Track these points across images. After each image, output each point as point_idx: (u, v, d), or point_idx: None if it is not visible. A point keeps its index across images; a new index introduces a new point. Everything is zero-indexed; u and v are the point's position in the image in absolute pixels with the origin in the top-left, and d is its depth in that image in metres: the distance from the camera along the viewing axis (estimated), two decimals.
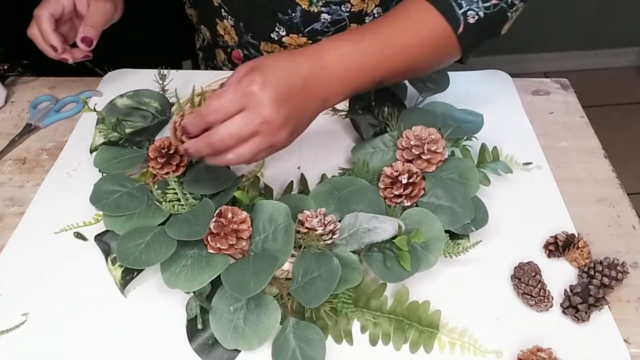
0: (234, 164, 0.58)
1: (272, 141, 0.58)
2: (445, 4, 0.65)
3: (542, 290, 0.61)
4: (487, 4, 0.65)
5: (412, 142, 0.69)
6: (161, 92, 0.78)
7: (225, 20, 0.93)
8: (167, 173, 0.67)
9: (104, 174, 0.69)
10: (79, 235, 0.67)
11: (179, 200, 0.64)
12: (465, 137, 0.74)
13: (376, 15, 0.87)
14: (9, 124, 0.85)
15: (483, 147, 0.75)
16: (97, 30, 0.79)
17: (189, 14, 1.07)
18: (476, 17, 0.65)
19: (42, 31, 0.77)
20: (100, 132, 0.73)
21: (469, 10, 0.65)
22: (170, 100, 0.78)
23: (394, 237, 0.61)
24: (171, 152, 0.68)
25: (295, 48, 0.90)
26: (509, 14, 0.67)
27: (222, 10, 0.92)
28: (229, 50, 0.98)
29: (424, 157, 0.68)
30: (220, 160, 0.58)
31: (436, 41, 0.66)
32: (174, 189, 0.64)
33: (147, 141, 0.73)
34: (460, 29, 0.65)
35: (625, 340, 0.59)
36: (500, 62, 1.64)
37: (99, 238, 0.65)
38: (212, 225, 0.59)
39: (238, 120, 0.56)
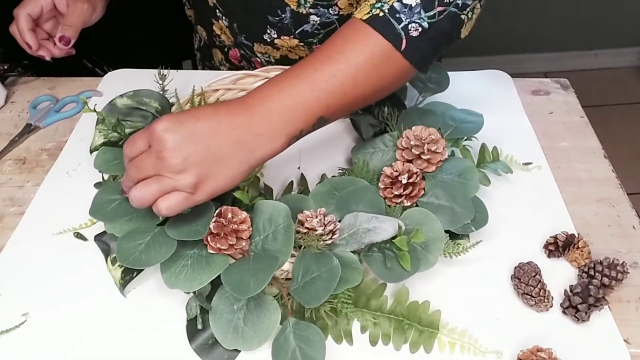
0: (137, 203, 0.54)
1: (172, 183, 0.53)
2: (382, 22, 0.60)
3: (542, 290, 0.61)
4: (431, 13, 0.60)
5: (412, 142, 0.69)
6: (161, 92, 0.78)
7: (220, 21, 0.94)
8: None
9: (104, 179, 0.69)
10: (79, 235, 0.67)
11: None
12: (465, 137, 0.74)
13: None
14: (9, 124, 0.85)
15: (483, 147, 0.75)
16: (75, 30, 0.84)
17: (188, 14, 1.08)
18: (419, 29, 0.60)
19: (19, 29, 0.83)
20: (100, 132, 0.73)
21: (409, 23, 0.60)
22: (170, 101, 0.78)
23: (394, 237, 0.61)
24: None
25: (287, 50, 0.90)
26: (462, 16, 0.62)
27: (217, 10, 0.92)
28: (225, 49, 0.99)
29: (424, 157, 0.68)
30: (155, 210, 0.54)
31: (380, 63, 0.60)
32: None
33: None
34: (404, 45, 0.60)
35: (625, 340, 0.59)
36: (500, 62, 1.64)
37: (98, 238, 0.65)
38: (212, 225, 0.59)
39: (137, 165, 0.55)
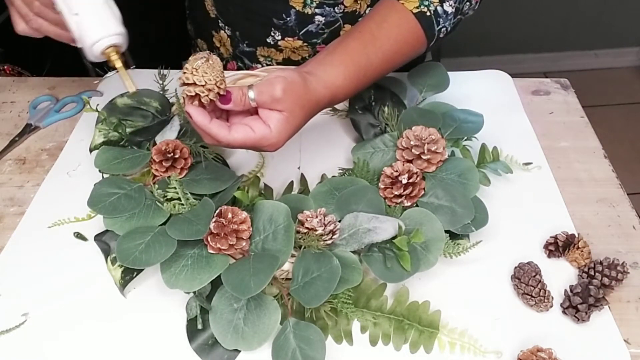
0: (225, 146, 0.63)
1: (266, 151, 0.64)
2: (428, 21, 0.71)
3: (542, 290, 0.61)
4: (454, 20, 0.73)
5: (412, 142, 0.69)
6: (161, 92, 0.78)
7: (221, 31, 0.94)
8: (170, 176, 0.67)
9: (104, 175, 0.69)
10: (79, 236, 0.68)
11: (179, 199, 0.64)
12: (466, 137, 0.74)
13: None
14: (9, 124, 0.85)
15: (483, 147, 0.75)
16: None
17: (189, 29, 1.09)
18: (445, 32, 0.73)
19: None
20: (100, 131, 0.73)
21: (442, 27, 0.72)
22: (170, 100, 0.78)
23: (394, 237, 0.61)
24: (176, 156, 0.68)
25: (291, 51, 0.91)
26: (461, 22, 0.76)
27: (219, 21, 0.93)
28: (223, 62, 0.99)
29: (424, 157, 0.68)
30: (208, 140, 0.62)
31: (413, 50, 0.73)
32: (175, 188, 0.64)
33: (147, 141, 0.73)
34: (433, 42, 0.73)
35: (625, 340, 0.59)
36: (500, 62, 1.64)
37: (98, 238, 0.65)
38: (212, 225, 0.58)
39: (250, 146, 0.62)
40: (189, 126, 0.76)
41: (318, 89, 0.65)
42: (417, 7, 0.71)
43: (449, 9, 0.72)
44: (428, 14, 0.71)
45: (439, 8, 0.71)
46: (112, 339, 0.59)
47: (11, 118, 0.86)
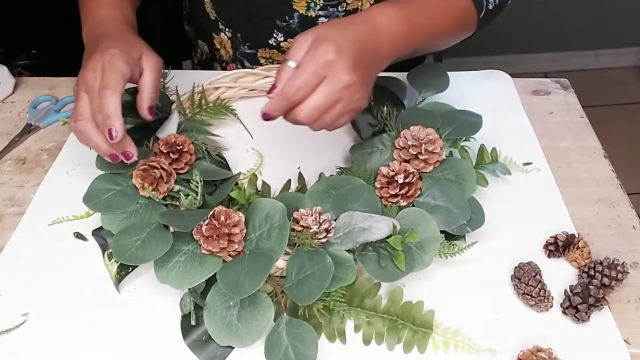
0: (318, 129, 0.62)
1: (352, 105, 0.60)
2: None
3: (542, 290, 0.61)
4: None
5: (409, 142, 0.69)
6: (162, 90, 0.79)
7: (222, 34, 0.94)
8: (176, 169, 0.68)
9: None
10: (79, 236, 0.68)
11: (196, 193, 0.64)
12: (464, 138, 0.74)
13: None
14: (9, 124, 0.85)
15: (482, 148, 0.75)
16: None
17: (187, 30, 1.08)
18: (494, 4, 0.75)
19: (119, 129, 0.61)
20: None
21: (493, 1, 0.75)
22: (171, 98, 0.78)
23: (388, 237, 0.61)
24: (184, 150, 0.68)
25: None
26: (507, 3, 0.79)
27: (219, 23, 0.92)
28: (223, 64, 0.99)
29: (421, 157, 0.68)
30: (305, 126, 0.61)
31: (463, 20, 0.74)
32: (197, 183, 0.64)
33: (147, 139, 0.73)
34: (482, 14, 0.75)
35: (625, 340, 0.59)
36: (500, 62, 1.64)
37: (96, 233, 0.66)
38: (205, 227, 0.59)
39: (321, 92, 0.58)
40: (187, 123, 0.77)
41: (358, 15, 0.64)
42: None
43: None
44: None
45: None
46: (111, 337, 0.59)
47: (11, 118, 0.86)
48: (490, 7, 0.75)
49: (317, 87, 0.57)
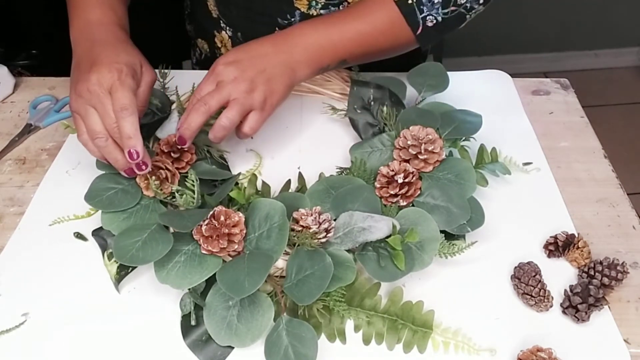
0: (228, 127, 0.68)
1: (248, 101, 0.67)
2: (408, 8, 0.73)
3: (542, 290, 0.61)
4: (446, 10, 0.74)
5: (409, 142, 0.69)
6: (162, 90, 0.79)
7: (223, 32, 0.94)
8: (177, 168, 0.68)
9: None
10: (79, 236, 0.68)
11: (193, 192, 0.64)
12: (464, 138, 0.74)
13: None
14: (9, 124, 0.85)
15: (482, 148, 0.75)
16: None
17: (188, 29, 1.08)
18: (434, 22, 0.74)
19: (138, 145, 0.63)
20: None
21: (428, 15, 0.73)
22: (171, 98, 0.78)
23: (388, 237, 0.61)
24: (185, 149, 0.68)
25: None
26: (467, 16, 0.76)
27: (221, 21, 0.93)
28: None
29: (420, 157, 0.68)
30: (216, 129, 0.68)
31: (396, 37, 0.75)
32: (192, 182, 0.64)
33: (147, 139, 0.73)
34: (419, 31, 0.74)
35: (625, 340, 0.59)
36: (500, 62, 1.64)
37: (96, 233, 0.66)
38: (205, 227, 0.59)
39: (216, 90, 0.67)
40: None
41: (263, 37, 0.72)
42: None
43: None
44: (410, 1, 0.73)
45: None
46: (111, 337, 0.59)
47: (11, 118, 0.86)
48: (430, 24, 0.74)
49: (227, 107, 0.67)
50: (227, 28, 0.93)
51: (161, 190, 0.65)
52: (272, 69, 0.69)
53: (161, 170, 0.65)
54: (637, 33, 2.39)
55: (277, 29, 0.88)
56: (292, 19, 0.86)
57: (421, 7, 0.73)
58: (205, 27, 0.98)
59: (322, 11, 0.85)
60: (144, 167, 0.64)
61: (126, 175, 0.65)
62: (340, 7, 0.85)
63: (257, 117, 0.69)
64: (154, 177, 0.65)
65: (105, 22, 0.71)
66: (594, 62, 2.45)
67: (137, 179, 0.65)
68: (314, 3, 0.84)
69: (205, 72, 0.71)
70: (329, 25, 0.73)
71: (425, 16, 0.73)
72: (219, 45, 0.97)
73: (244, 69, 0.68)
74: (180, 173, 0.68)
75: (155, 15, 1.35)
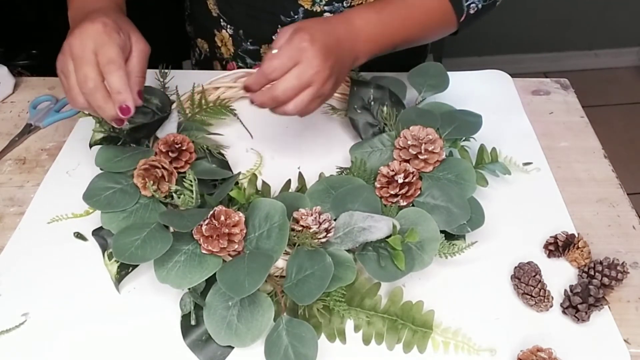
0: (293, 113, 0.65)
1: (321, 90, 0.65)
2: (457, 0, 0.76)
3: (542, 290, 0.61)
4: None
5: (409, 142, 0.69)
6: (162, 90, 0.79)
7: (223, 31, 0.94)
8: (176, 167, 0.68)
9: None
10: (79, 236, 0.68)
11: (191, 192, 0.64)
12: (464, 138, 0.74)
13: None
14: (9, 124, 0.85)
15: (482, 148, 0.75)
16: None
17: (188, 30, 1.08)
18: (475, 9, 0.78)
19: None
20: (97, 131, 0.73)
21: (471, 3, 0.77)
22: (171, 98, 0.78)
23: (388, 237, 0.61)
24: (183, 148, 0.68)
25: None
26: (497, 3, 0.81)
27: (221, 20, 0.92)
28: (224, 62, 0.99)
29: (421, 157, 0.68)
30: (282, 111, 0.65)
31: (441, 23, 0.78)
32: (190, 181, 0.64)
33: (147, 138, 0.73)
34: (462, 18, 0.78)
35: (625, 340, 0.59)
36: (500, 62, 1.64)
37: (96, 233, 0.66)
38: (205, 227, 0.59)
39: (295, 73, 0.63)
40: (187, 123, 0.77)
41: (338, 15, 0.71)
42: None
43: None
44: None
45: None
46: (111, 336, 0.59)
47: (11, 118, 0.86)
48: (472, 11, 0.77)
49: (292, 69, 0.63)
50: (228, 26, 0.93)
51: (158, 189, 0.64)
52: (344, 58, 0.69)
53: (157, 169, 0.65)
54: (637, 33, 2.39)
55: (279, 26, 0.88)
56: (295, 16, 0.86)
57: None
58: (205, 26, 0.98)
59: (325, 7, 0.85)
60: (127, 111, 0.61)
61: (115, 125, 0.64)
62: (344, 4, 0.85)
63: (319, 101, 0.67)
64: (151, 182, 0.64)
65: (102, 3, 0.70)
66: (594, 62, 2.45)
67: (134, 179, 0.65)
68: (317, 0, 0.84)
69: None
70: (387, 13, 0.73)
71: (470, 4, 0.77)
72: (219, 44, 0.97)
73: (326, 56, 0.65)
74: (179, 172, 0.68)
75: (155, 16, 1.35)
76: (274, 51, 0.64)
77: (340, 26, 0.69)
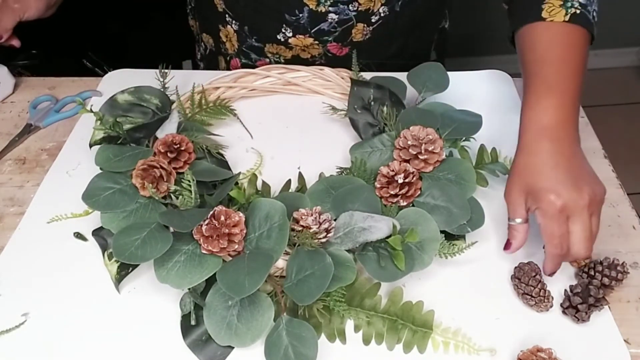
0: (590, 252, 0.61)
1: (600, 204, 0.62)
2: (582, 18, 0.70)
3: (542, 290, 0.61)
4: (596, 1, 0.73)
5: (409, 142, 0.69)
6: (162, 90, 0.79)
7: (228, 26, 0.94)
8: (175, 168, 0.68)
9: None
10: (79, 236, 0.68)
11: (190, 192, 0.64)
12: (464, 138, 0.74)
13: (382, 14, 0.88)
14: (9, 124, 0.85)
15: (482, 148, 0.75)
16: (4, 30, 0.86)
17: (191, 25, 1.08)
18: (596, 16, 0.73)
19: None
20: (97, 130, 0.73)
21: (593, 11, 0.72)
22: (171, 98, 0.78)
23: (388, 237, 0.61)
24: (182, 148, 0.68)
25: (301, 49, 0.91)
26: None
27: (227, 15, 0.92)
28: (228, 58, 0.99)
29: (421, 157, 0.68)
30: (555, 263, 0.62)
31: (583, 48, 0.74)
32: (189, 182, 0.64)
33: (147, 138, 0.73)
34: (595, 32, 0.73)
35: (625, 340, 0.59)
36: (500, 62, 1.63)
37: (96, 233, 0.66)
38: (205, 227, 0.59)
39: (578, 227, 0.60)
40: (187, 123, 0.77)
41: (530, 148, 0.64)
42: (566, 15, 0.70)
43: None
44: (578, 12, 0.70)
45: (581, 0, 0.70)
46: (111, 336, 0.59)
47: (11, 118, 0.86)
48: (596, 19, 0.73)
49: (571, 228, 0.60)
50: (233, 22, 0.93)
51: (157, 190, 0.64)
52: (579, 161, 0.66)
53: (155, 170, 0.65)
54: (637, 33, 2.39)
55: (284, 24, 0.88)
56: (300, 15, 0.86)
57: (587, 8, 0.71)
58: (210, 21, 0.98)
59: (330, 8, 0.85)
60: None
61: None
62: (350, 7, 0.85)
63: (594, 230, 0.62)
64: (149, 182, 0.64)
65: None
66: (594, 62, 2.43)
67: (133, 180, 0.65)
68: (322, 0, 0.84)
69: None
70: (569, 97, 0.67)
71: (593, 15, 0.72)
72: (224, 39, 0.97)
73: (576, 186, 0.61)
74: (178, 173, 0.68)
75: (155, 16, 1.36)
76: (517, 220, 0.63)
77: (546, 151, 0.64)
